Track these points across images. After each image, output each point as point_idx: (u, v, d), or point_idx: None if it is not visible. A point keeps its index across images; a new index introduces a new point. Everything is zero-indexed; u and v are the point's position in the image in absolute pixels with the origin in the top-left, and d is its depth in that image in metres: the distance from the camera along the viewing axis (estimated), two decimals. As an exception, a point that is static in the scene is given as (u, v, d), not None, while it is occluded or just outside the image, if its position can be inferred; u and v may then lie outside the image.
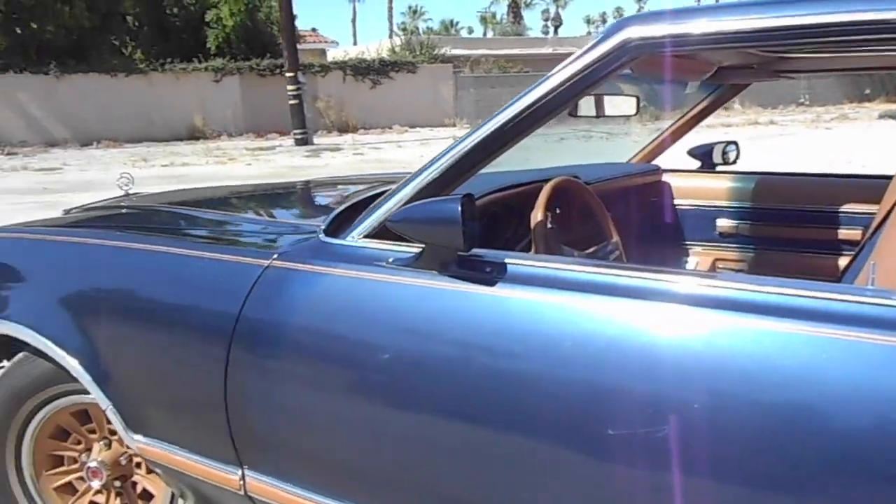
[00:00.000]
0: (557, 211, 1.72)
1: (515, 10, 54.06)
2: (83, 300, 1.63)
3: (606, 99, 1.77)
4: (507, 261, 1.18)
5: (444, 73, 21.32)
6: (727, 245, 2.40)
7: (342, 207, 1.49)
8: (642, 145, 2.66)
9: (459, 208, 1.10)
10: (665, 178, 2.50)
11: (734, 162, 2.60)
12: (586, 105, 1.81)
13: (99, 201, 2.75)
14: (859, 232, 2.12)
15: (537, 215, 1.54)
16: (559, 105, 1.21)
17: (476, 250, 1.21)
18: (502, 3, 54.91)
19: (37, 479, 1.86)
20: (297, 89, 15.62)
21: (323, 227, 1.42)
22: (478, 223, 1.18)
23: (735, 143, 2.62)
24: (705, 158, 2.57)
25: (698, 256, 2.43)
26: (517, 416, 1.11)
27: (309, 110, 16.71)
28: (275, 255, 1.39)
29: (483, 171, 1.41)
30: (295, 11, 16.38)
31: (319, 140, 16.94)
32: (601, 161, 2.78)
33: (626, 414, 1.03)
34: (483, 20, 58.85)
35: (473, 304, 1.17)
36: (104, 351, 1.56)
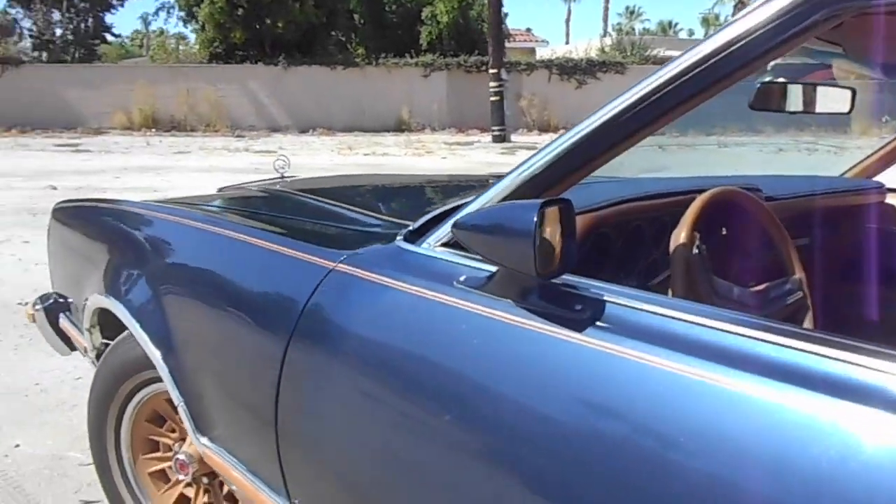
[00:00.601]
0: (723, 231, 1.33)
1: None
2: (164, 281, 1.53)
3: (808, 89, 1.33)
4: (607, 298, 0.85)
5: (655, 75, 20.27)
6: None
7: (440, 209, 1.22)
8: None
9: (535, 218, 0.79)
10: (890, 199, 1.95)
11: None
12: (793, 96, 1.38)
13: (252, 182, 2.74)
14: None
15: (680, 236, 1.16)
16: (714, 81, 0.85)
17: (571, 278, 0.89)
18: (727, 4, 51.37)
19: (134, 461, 1.81)
20: (499, 86, 15.63)
21: (409, 229, 1.17)
22: (575, 241, 0.86)
23: None
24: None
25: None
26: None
27: (511, 108, 16.68)
28: (343, 257, 1.17)
29: (629, 175, 1.07)
30: (506, 10, 16.43)
31: (518, 138, 16.85)
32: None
33: None
34: (705, 21, 55.49)
35: (550, 353, 0.85)
36: (178, 341, 1.43)
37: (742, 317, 0.80)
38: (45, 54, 21.13)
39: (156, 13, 43.46)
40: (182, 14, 20.52)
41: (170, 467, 1.75)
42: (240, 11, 18.18)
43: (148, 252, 1.65)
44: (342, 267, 1.15)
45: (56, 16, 21.84)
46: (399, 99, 18.77)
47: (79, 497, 2.17)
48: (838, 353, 0.69)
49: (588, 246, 1.22)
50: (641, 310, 0.82)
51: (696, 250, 1.14)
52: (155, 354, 1.48)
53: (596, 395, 0.80)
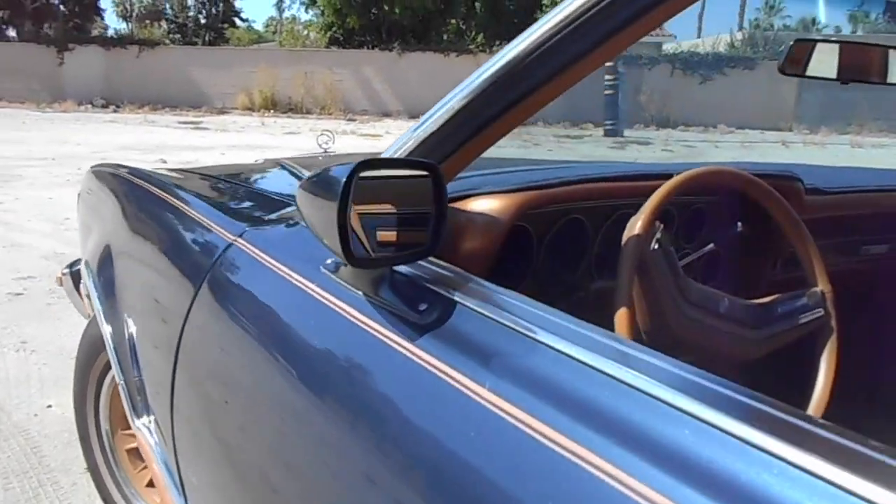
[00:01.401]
0: (738, 227, 1.06)
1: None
2: (117, 252, 1.43)
3: (863, 50, 1.05)
4: (459, 299, 0.64)
5: (787, 72, 18.98)
6: None
7: None
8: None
9: (343, 181, 0.60)
10: None
11: None
12: (839, 59, 1.11)
13: (295, 157, 2.66)
14: None
15: (635, 225, 0.90)
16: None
17: (442, 269, 0.69)
18: (879, 1, 47.19)
19: (112, 435, 1.75)
20: (614, 79, 15.11)
21: None
22: (445, 219, 0.66)
23: None
24: None
25: None
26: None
27: (627, 102, 16.10)
28: (245, 229, 1.01)
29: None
30: None
31: (632, 133, 16.22)
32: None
33: None
34: (853, 18, 51.51)
35: (380, 365, 0.65)
36: (120, 316, 1.33)
37: (670, 366, 0.52)
38: (179, 37, 22.42)
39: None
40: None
41: (143, 446, 1.68)
42: (358, -3, 18.55)
43: (114, 221, 1.57)
44: (240, 242, 1.00)
45: (190, 1, 23.15)
46: (510, 89, 18.49)
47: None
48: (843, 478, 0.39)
49: (547, 236, 1.00)
50: (497, 322, 0.60)
51: (654, 245, 0.88)
52: (105, 330, 1.39)
53: (413, 422, 0.60)
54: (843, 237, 1.44)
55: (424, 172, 0.68)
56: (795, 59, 1.04)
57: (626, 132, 15.90)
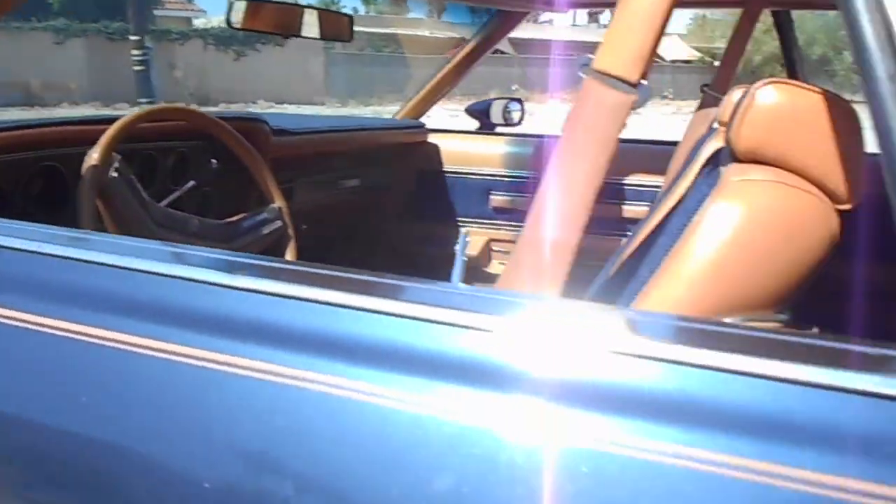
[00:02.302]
0: (213, 164, 1.19)
1: (399, -9, 52.94)
2: None
3: (283, 10, 1.25)
4: None
5: (314, 48, 20.34)
6: (501, 223, 1.98)
7: None
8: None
9: None
10: (432, 138, 2.04)
11: (518, 123, 2.18)
12: (265, 16, 1.29)
13: None
14: (646, 209, 1.75)
15: (91, 157, 0.97)
16: None
17: None
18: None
19: None
20: (143, 55, 14.42)
21: None
22: None
23: (519, 100, 2.20)
24: (482, 117, 2.13)
25: (473, 237, 1.99)
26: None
27: (164, 79, 15.52)
28: None
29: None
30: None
31: (172, 111, 15.78)
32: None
33: None
34: (366, 2, 57.56)
35: None
36: None
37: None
38: None
39: None
40: None
41: None
42: None
43: None
44: None
45: None
46: (26, 69, 16.25)
47: None
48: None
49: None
50: None
51: (114, 173, 0.97)
52: None
53: None
54: (321, 174, 1.71)
55: None
56: (236, 14, 1.20)
57: (167, 110, 15.39)
